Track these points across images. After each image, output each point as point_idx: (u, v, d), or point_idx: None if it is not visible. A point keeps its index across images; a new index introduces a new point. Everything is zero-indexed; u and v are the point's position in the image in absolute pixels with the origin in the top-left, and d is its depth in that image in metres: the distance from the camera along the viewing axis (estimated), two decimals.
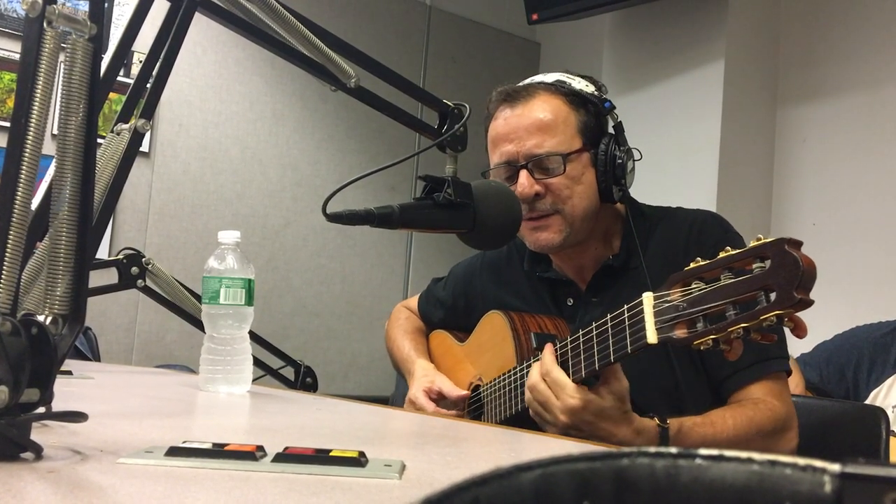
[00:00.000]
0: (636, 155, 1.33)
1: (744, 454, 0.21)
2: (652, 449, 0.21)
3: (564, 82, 1.34)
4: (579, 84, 1.34)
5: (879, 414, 1.38)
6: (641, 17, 3.32)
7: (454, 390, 1.38)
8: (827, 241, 2.97)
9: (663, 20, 3.24)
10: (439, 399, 1.40)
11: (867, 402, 1.87)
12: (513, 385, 1.25)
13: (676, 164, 3.13)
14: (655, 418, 1.09)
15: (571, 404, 1.04)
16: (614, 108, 1.34)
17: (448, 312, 1.61)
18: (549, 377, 1.08)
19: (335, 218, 0.93)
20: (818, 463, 0.20)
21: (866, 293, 2.75)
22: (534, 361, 1.16)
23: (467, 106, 1.09)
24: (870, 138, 2.96)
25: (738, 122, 3.10)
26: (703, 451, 0.21)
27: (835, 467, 0.19)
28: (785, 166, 3.22)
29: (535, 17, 3.39)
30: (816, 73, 3.14)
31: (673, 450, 0.21)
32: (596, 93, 1.34)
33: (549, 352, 1.11)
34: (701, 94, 3.11)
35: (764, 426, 1.16)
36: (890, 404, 1.84)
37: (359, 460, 0.58)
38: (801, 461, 0.20)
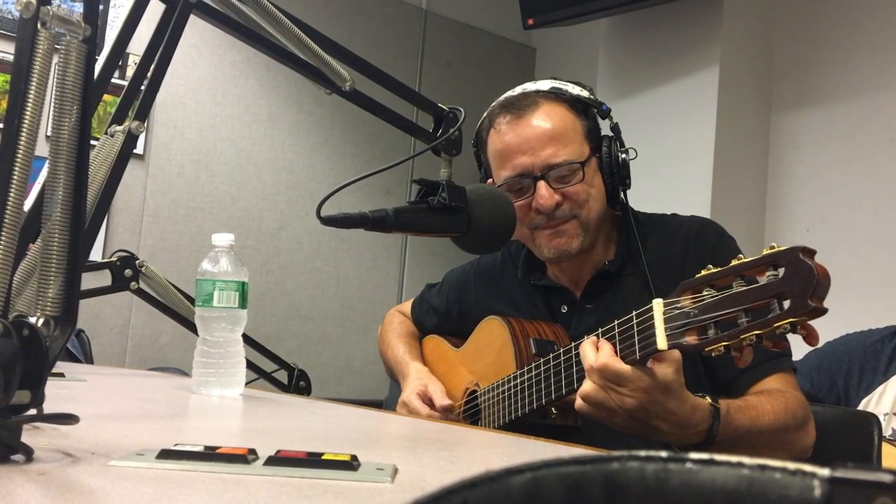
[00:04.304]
0: (632, 154, 1.34)
1: (734, 458, 0.21)
2: (642, 453, 0.21)
3: (560, 89, 1.34)
4: (574, 89, 1.34)
5: (872, 420, 1.39)
6: (637, 22, 3.33)
7: (442, 399, 1.37)
8: (820, 248, 2.94)
9: (658, 26, 3.25)
10: (431, 404, 1.40)
11: (858, 409, 1.87)
12: (512, 391, 1.24)
13: (671, 169, 3.14)
14: (707, 397, 1.06)
15: (640, 386, 0.99)
16: (611, 110, 1.35)
17: (442, 319, 1.61)
18: (607, 372, 1.00)
19: (330, 221, 0.93)
20: (808, 467, 0.20)
21: (859, 300, 2.76)
22: (535, 367, 1.15)
23: (462, 110, 1.09)
24: (863, 145, 2.98)
25: (732, 129, 3.11)
26: (694, 455, 0.21)
27: (824, 472, 0.20)
28: (779, 172, 3.23)
29: (530, 22, 3.40)
30: (810, 79, 3.16)
31: (663, 454, 0.21)
32: (591, 97, 1.35)
33: (591, 344, 1.04)
34: (695, 100, 3.12)
35: (797, 414, 1.16)
36: (881, 411, 1.84)
37: (351, 464, 0.58)
38: (791, 465, 0.20)
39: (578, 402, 1.06)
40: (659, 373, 0.99)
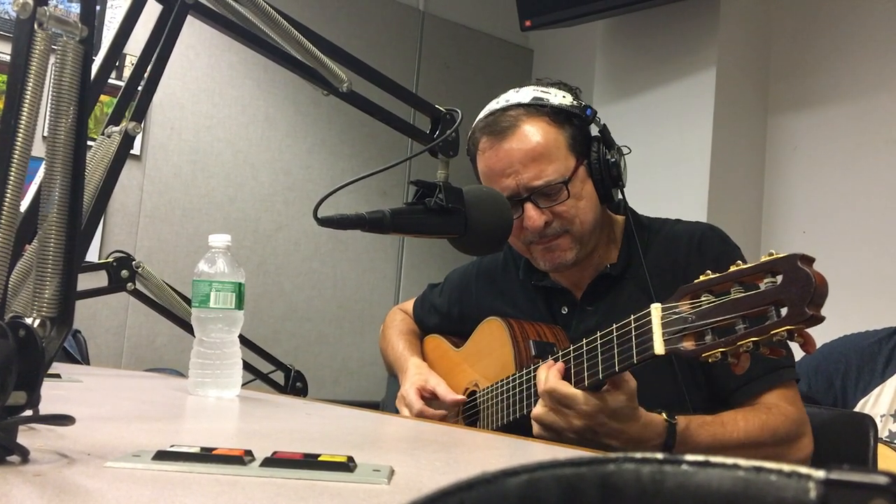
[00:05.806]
0: (625, 150, 1.32)
1: (729, 460, 0.21)
2: (638, 455, 0.21)
3: (542, 99, 1.31)
4: (556, 98, 1.31)
5: (868, 422, 1.39)
6: (634, 24, 3.34)
7: (449, 394, 1.37)
8: (817, 249, 2.96)
9: (655, 28, 3.26)
10: (432, 399, 1.39)
11: (855, 411, 1.87)
12: (511, 392, 1.24)
13: (668, 171, 3.14)
14: (663, 413, 1.09)
15: (585, 411, 1.05)
16: (596, 113, 1.32)
17: (443, 319, 1.61)
18: (555, 394, 1.07)
19: (327, 222, 0.93)
20: (803, 469, 0.20)
21: (856, 301, 2.77)
22: (534, 369, 1.15)
23: (459, 111, 1.09)
24: (860, 147, 2.98)
25: (729, 130, 3.11)
26: (689, 457, 0.21)
27: (819, 474, 0.20)
28: (775, 174, 3.23)
29: (528, 23, 3.41)
30: (807, 81, 3.16)
31: (659, 455, 0.21)
32: (574, 102, 1.32)
33: (545, 368, 1.10)
34: (692, 102, 3.12)
35: (778, 431, 1.16)
36: (878, 413, 1.85)
37: (347, 465, 0.58)
38: (787, 467, 0.20)
39: (533, 422, 1.12)
40: (610, 399, 1.04)
